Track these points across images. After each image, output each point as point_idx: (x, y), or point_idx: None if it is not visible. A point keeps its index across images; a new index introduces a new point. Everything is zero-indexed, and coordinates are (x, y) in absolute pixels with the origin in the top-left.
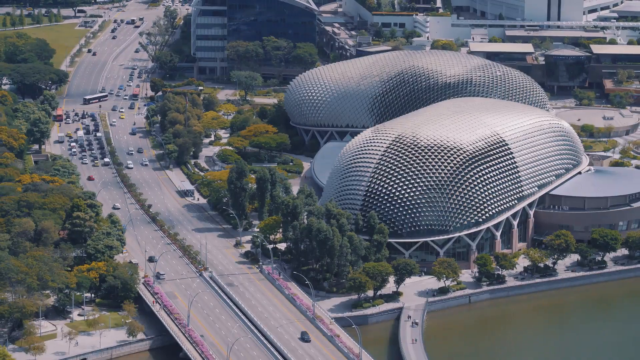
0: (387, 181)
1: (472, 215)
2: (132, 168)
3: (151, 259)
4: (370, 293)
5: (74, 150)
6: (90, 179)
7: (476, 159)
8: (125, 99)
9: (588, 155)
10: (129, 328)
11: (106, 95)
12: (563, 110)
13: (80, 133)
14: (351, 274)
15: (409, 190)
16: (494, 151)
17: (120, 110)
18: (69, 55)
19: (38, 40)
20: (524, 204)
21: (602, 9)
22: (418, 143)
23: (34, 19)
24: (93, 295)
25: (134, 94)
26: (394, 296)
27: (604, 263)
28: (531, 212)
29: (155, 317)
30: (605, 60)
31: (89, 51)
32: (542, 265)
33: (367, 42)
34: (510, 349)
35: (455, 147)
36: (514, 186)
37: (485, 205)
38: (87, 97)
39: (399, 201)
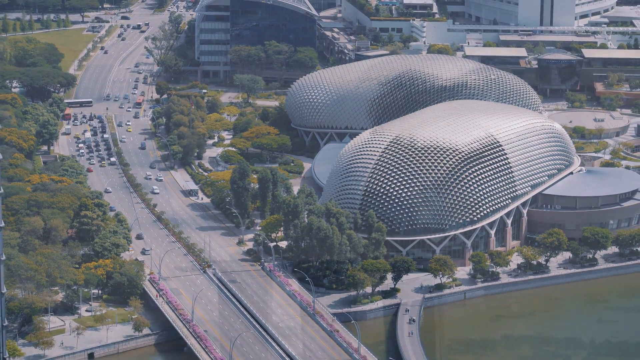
0: (385, 181)
1: (467, 214)
2: (158, 193)
3: (139, 237)
4: (368, 289)
5: (81, 151)
6: (89, 170)
7: (471, 159)
8: (129, 111)
9: (579, 156)
10: (134, 323)
11: (90, 102)
12: (555, 113)
13: (88, 134)
14: (350, 271)
15: (406, 190)
16: (489, 152)
17: (127, 123)
18: (77, 59)
19: (47, 44)
20: (518, 203)
21: (593, 14)
22: (415, 144)
23: (43, 24)
24: (100, 291)
25: (138, 102)
26: (392, 292)
27: (595, 260)
28: (524, 211)
29: (161, 313)
30: (596, 64)
31: (102, 49)
32: (535, 262)
33: (366, 47)
34: (504, 343)
35: (451, 148)
36: (507, 186)
37: (480, 204)
38: (68, 100)
39: (397, 200)
